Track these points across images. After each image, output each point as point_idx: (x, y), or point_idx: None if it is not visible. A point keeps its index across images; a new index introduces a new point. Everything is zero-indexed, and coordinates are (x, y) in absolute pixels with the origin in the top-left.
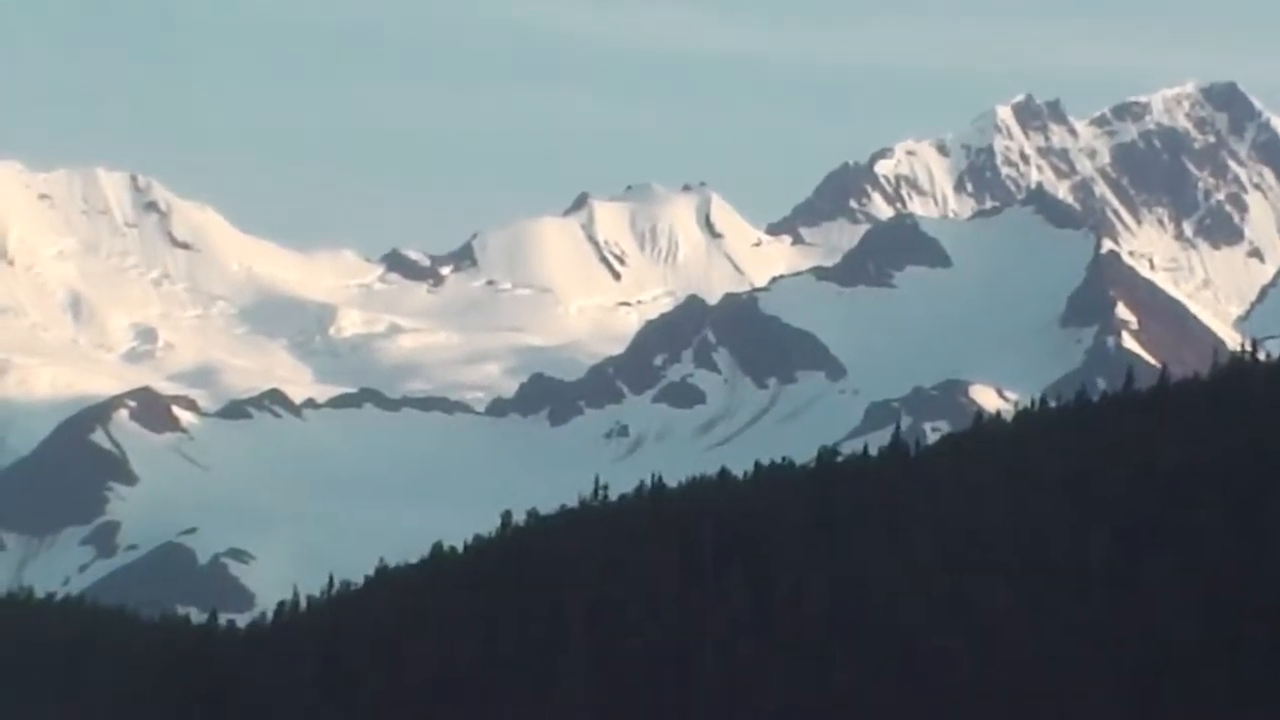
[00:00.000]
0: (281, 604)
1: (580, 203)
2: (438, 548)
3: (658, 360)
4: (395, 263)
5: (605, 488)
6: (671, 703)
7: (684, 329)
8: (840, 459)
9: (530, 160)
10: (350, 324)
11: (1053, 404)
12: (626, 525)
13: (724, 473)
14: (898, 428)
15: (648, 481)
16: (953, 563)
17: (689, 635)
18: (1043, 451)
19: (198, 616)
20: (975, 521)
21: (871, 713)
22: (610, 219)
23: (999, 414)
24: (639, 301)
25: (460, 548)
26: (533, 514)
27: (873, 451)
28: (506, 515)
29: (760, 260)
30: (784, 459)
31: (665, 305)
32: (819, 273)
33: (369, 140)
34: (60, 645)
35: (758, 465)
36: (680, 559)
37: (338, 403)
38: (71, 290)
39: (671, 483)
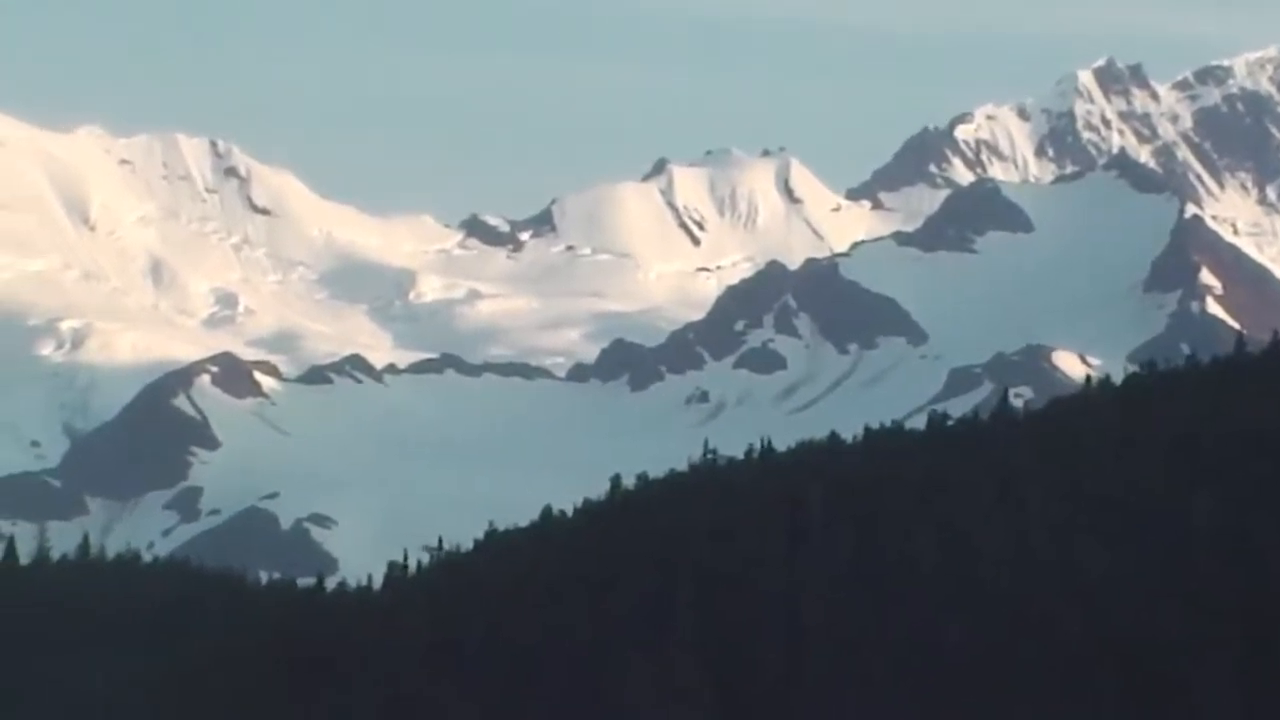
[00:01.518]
0: (391, 566)
1: (659, 168)
2: (547, 511)
3: (738, 326)
4: (474, 228)
5: (714, 451)
6: (780, 666)
7: (765, 294)
8: (950, 423)
9: (609, 126)
10: (430, 289)
11: (1160, 367)
12: (736, 489)
13: (833, 436)
14: (1005, 393)
15: (739, 448)
16: (1061, 527)
17: (798, 599)
18: (1150, 415)
19: (303, 582)
20: (1084, 485)
21: (980, 676)
22: (689, 184)
23: (1108, 377)
24: (718, 267)
25: (544, 513)
26: (642, 478)
27: (958, 415)
28: (616, 479)
29: (840, 225)
30: (893, 423)
31: (744, 271)
32: (900, 238)
33: (448, 106)
34: (167, 607)
35: (867, 429)
36: (789, 523)
37: (418, 368)
38: (152, 255)
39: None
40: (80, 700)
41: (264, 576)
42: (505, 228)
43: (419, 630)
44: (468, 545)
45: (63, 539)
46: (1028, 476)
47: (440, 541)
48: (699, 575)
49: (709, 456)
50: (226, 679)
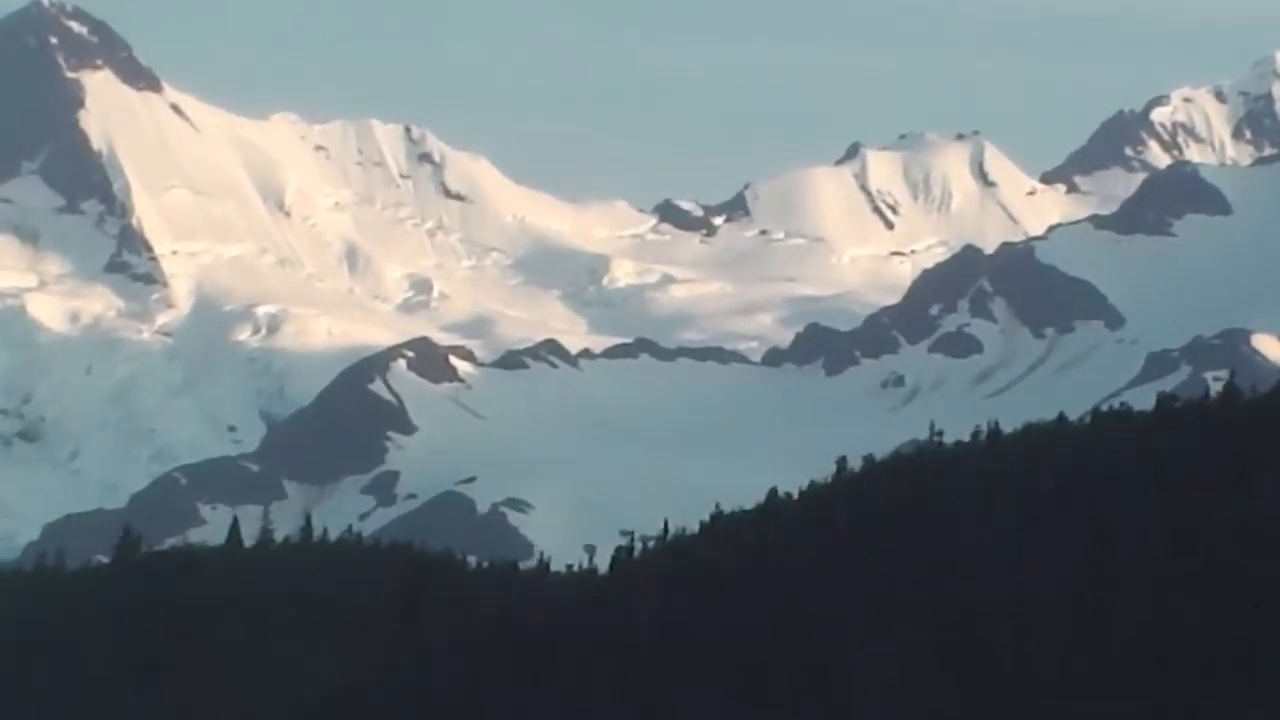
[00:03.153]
0: (618, 550)
1: (853, 152)
2: (773, 494)
3: (933, 310)
4: (668, 213)
5: (940, 433)
6: (1011, 649)
7: (960, 278)
8: (1178, 404)
9: (802, 110)
10: (623, 274)
11: None
12: (964, 471)
13: (1061, 418)
14: (1232, 375)
15: (982, 428)
16: None
17: (1028, 582)
18: None
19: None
20: None
21: (1214, 660)
22: (883, 168)
23: None
24: (912, 251)
25: (770, 495)
26: (869, 459)
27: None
28: (842, 460)
29: (1034, 209)
30: (1123, 405)
31: (939, 255)
32: (1097, 221)
33: (641, 91)
34: (392, 589)
35: (1095, 410)
36: (1019, 505)
37: (613, 353)
38: (347, 241)
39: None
40: (310, 683)
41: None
42: (699, 212)
43: (650, 612)
44: (665, 530)
45: (259, 524)
46: (1260, 459)
47: (665, 524)
48: (928, 558)
49: (935, 438)
50: (454, 661)
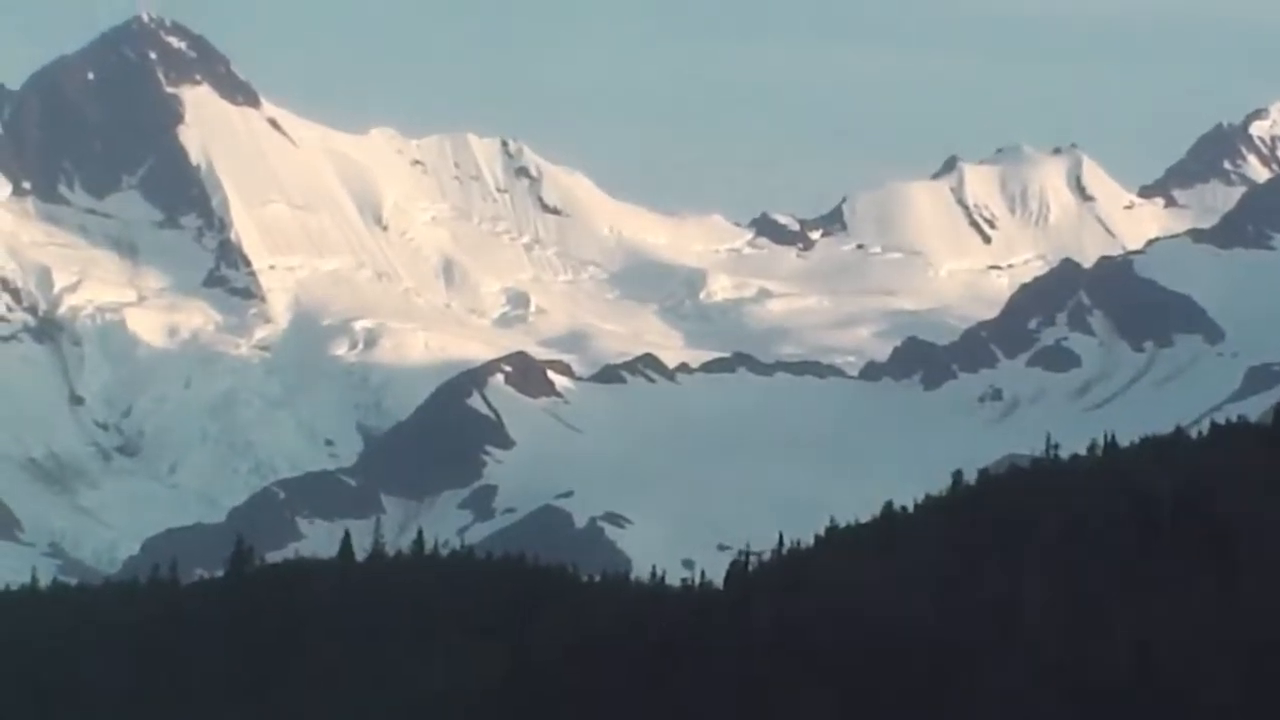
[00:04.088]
0: (734, 563)
1: (950, 166)
2: (888, 507)
3: (1031, 324)
4: (764, 227)
5: (1056, 446)
6: (1127, 659)
7: (1058, 292)
8: None
9: (899, 124)
10: (720, 288)
11: None
12: (1080, 483)
13: (1178, 430)
14: None
15: (1099, 440)
16: None
17: (1145, 593)
18: None
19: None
20: None
21: None
22: (980, 182)
23: None
24: (1009, 265)
25: (886, 508)
26: (984, 473)
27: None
28: (957, 474)
29: (1132, 223)
30: (1239, 418)
31: (1036, 268)
32: (1196, 235)
33: (738, 105)
34: (506, 601)
35: (1213, 424)
36: (1136, 517)
37: (711, 367)
38: (444, 255)
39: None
40: (426, 694)
41: None
42: (795, 226)
43: (768, 621)
44: (780, 543)
45: (358, 538)
46: None
47: (781, 537)
48: (1047, 570)
49: (1051, 451)
50: (572, 672)
